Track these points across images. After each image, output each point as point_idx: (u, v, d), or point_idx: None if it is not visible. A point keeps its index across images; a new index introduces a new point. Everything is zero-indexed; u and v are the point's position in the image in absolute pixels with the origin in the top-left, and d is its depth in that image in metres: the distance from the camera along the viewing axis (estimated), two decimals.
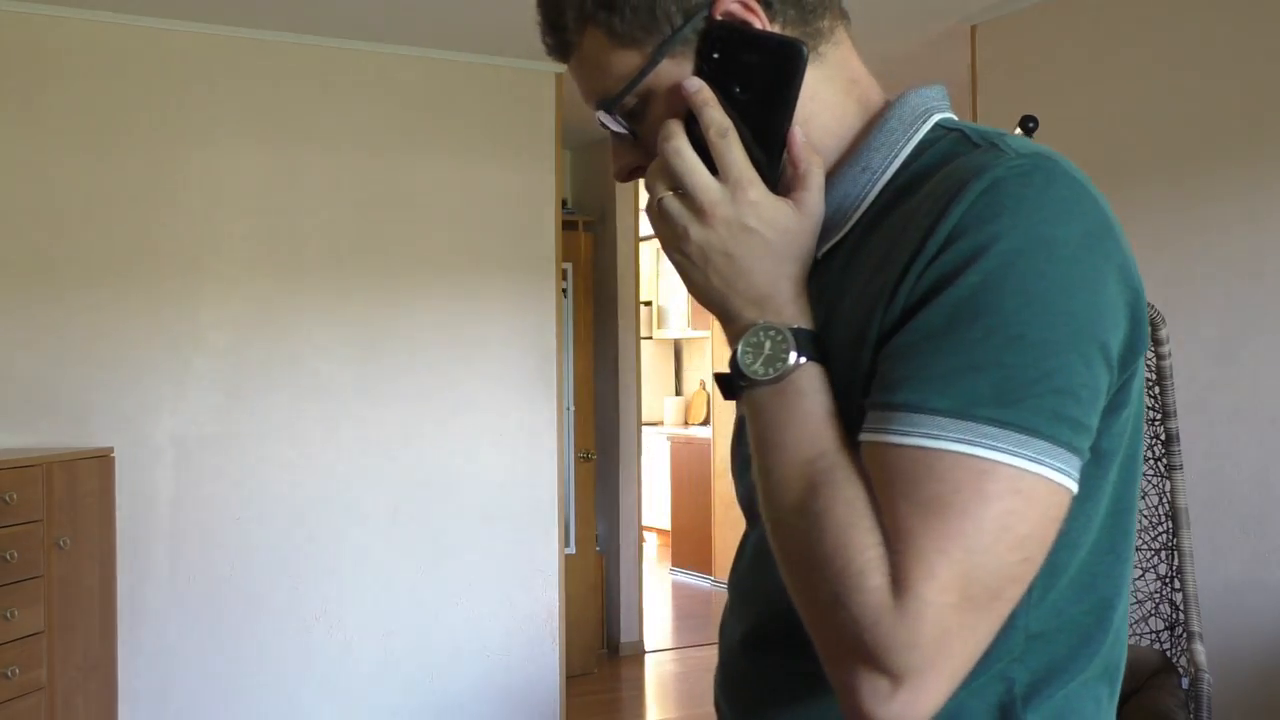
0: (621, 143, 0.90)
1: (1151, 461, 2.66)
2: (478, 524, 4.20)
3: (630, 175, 0.91)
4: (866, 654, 0.69)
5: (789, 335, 0.77)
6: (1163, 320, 2.60)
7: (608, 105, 0.85)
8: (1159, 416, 2.63)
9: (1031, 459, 0.68)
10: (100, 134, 3.67)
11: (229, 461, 3.82)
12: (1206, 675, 2.45)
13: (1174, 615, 2.63)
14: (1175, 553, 2.60)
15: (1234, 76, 3.05)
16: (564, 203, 4.83)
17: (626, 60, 0.83)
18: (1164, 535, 2.64)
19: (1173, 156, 3.17)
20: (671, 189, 0.81)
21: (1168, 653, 2.62)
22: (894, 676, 0.68)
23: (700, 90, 0.80)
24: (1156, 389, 2.62)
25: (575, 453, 5.38)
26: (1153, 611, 2.66)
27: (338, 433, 3.98)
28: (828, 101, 0.85)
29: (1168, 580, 2.64)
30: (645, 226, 7.83)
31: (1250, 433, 2.99)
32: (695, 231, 0.80)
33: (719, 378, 0.82)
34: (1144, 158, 3.22)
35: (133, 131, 3.71)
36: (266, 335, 3.89)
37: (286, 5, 3.64)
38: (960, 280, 0.71)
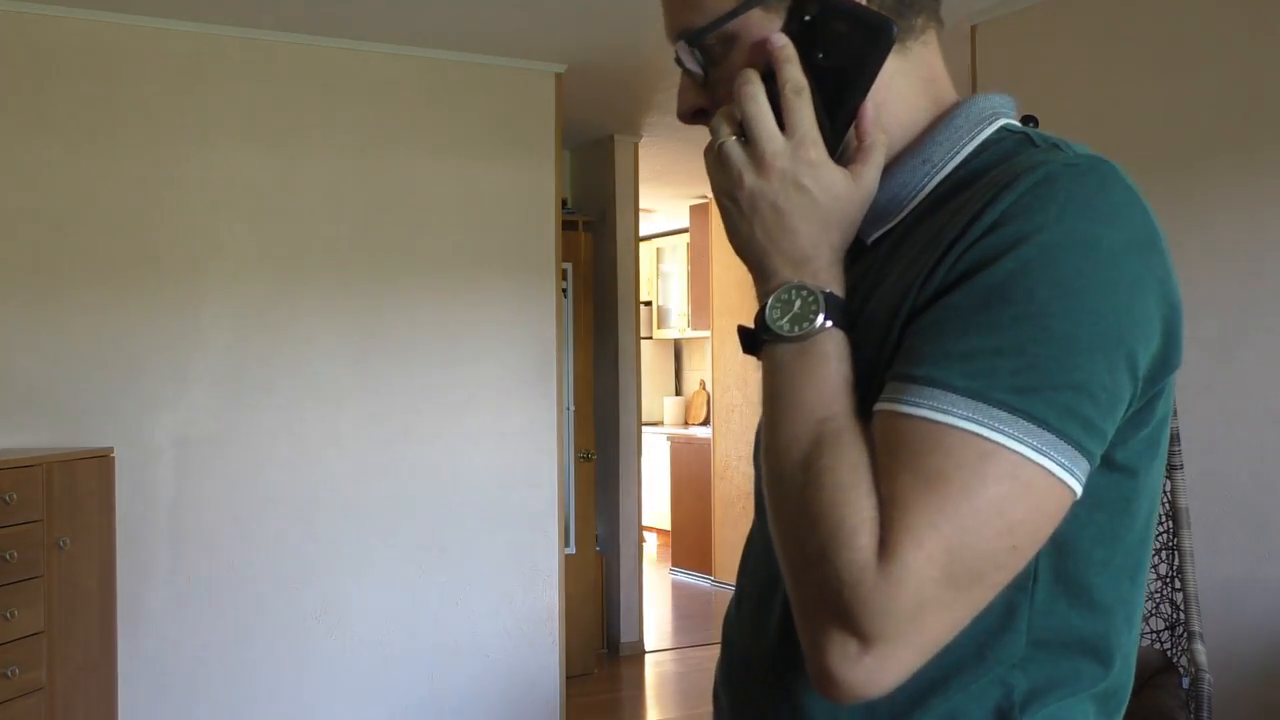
0: (691, 82, 0.90)
1: None
2: (478, 524, 4.20)
3: (693, 118, 0.91)
4: (842, 612, 0.69)
5: (820, 297, 0.78)
6: None
7: (690, 38, 0.85)
8: None
9: (1036, 449, 0.69)
10: (100, 134, 3.67)
11: (229, 461, 3.82)
12: (1207, 675, 2.45)
13: (1174, 615, 2.63)
14: (1175, 553, 2.60)
15: (1234, 76, 3.05)
16: (564, 203, 4.83)
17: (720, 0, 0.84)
18: (1164, 535, 2.64)
19: (1172, 156, 3.17)
20: (735, 134, 0.81)
21: (1168, 653, 2.62)
22: (864, 639, 0.69)
23: (785, 46, 0.81)
24: None
25: (575, 453, 5.38)
26: (1153, 611, 2.66)
27: (338, 433, 3.98)
28: (901, 93, 0.85)
29: (1168, 580, 2.64)
30: (645, 226, 7.83)
31: (1250, 433, 2.99)
32: (750, 179, 0.80)
33: (742, 331, 0.83)
34: (1144, 158, 3.22)
35: (133, 131, 3.71)
36: (266, 335, 3.89)
37: (286, 5, 3.64)
38: (997, 264, 0.71)
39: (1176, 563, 2.60)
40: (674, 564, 7.85)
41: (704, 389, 8.58)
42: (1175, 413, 2.61)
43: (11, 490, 3.02)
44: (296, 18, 3.76)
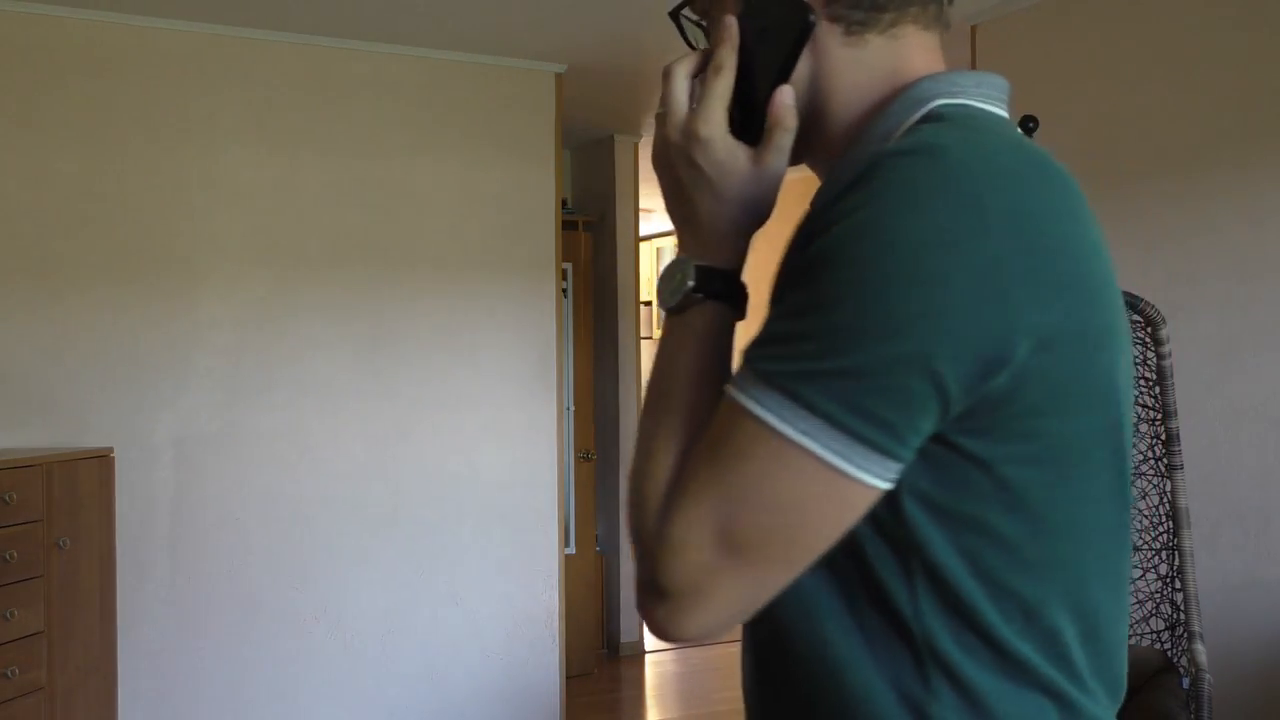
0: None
1: (1152, 461, 2.66)
2: (478, 524, 4.20)
3: None
4: (641, 563, 0.77)
5: (693, 271, 0.82)
6: (1163, 320, 2.60)
7: (679, 6, 0.92)
8: (1159, 416, 2.63)
9: (802, 432, 0.70)
10: (100, 134, 3.67)
11: (229, 461, 3.82)
12: (1207, 675, 2.45)
13: (1174, 615, 2.63)
14: (1175, 553, 2.60)
15: (1234, 76, 3.05)
16: (564, 203, 4.83)
17: None
18: (1164, 535, 2.64)
19: (1172, 156, 3.17)
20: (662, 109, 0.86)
21: (1168, 653, 2.62)
22: (658, 592, 0.75)
23: (729, 26, 0.84)
24: (1157, 389, 2.62)
25: (575, 453, 5.38)
26: (1153, 611, 2.66)
27: (338, 432, 3.98)
28: (853, 83, 0.85)
29: (1168, 580, 2.64)
30: (645, 226, 7.83)
31: (1250, 433, 2.99)
32: (657, 150, 0.86)
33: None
34: (1144, 157, 3.22)
35: (133, 131, 3.71)
36: (266, 335, 3.89)
37: (286, 5, 3.64)
38: (808, 250, 0.73)
39: (1176, 563, 2.60)
40: None
41: None
42: (1175, 412, 2.61)
43: (11, 490, 3.02)
44: (296, 18, 3.76)
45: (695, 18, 0.92)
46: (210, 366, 3.80)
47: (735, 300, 0.84)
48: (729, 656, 5.72)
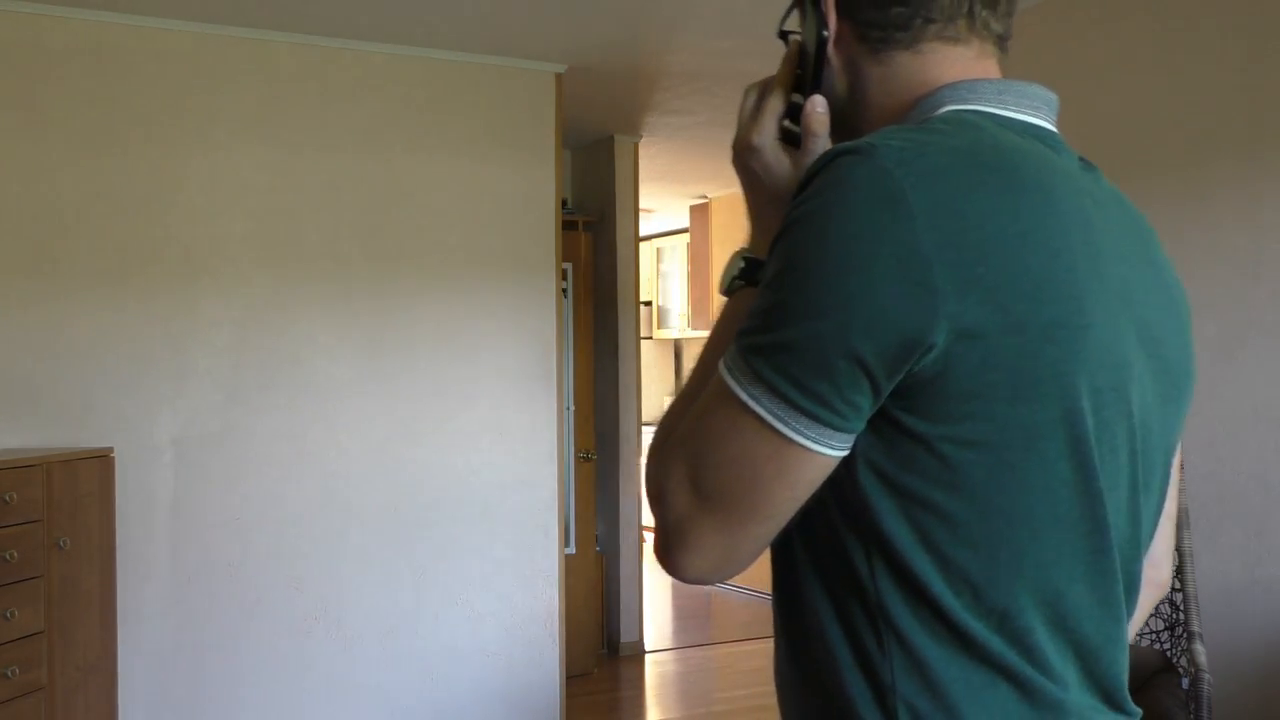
0: None
1: None
2: (478, 524, 4.20)
3: None
4: (650, 504, 0.86)
5: (739, 261, 0.94)
6: None
7: (783, 32, 1.02)
8: None
9: (751, 397, 0.79)
10: (100, 134, 3.67)
11: (229, 461, 3.82)
12: (1207, 675, 2.45)
13: (1174, 615, 2.63)
14: (1175, 553, 2.60)
15: (1235, 76, 3.05)
16: (564, 203, 4.83)
17: None
18: None
19: (1173, 156, 3.17)
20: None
21: (1168, 653, 2.62)
22: (663, 538, 0.84)
23: (793, 44, 0.97)
24: None
25: (575, 453, 5.38)
26: (1153, 611, 2.66)
27: (338, 432, 3.98)
28: (885, 93, 0.93)
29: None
30: (645, 226, 7.83)
31: (1250, 433, 2.99)
32: (734, 161, 0.99)
33: None
34: (1144, 157, 3.22)
35: (133, 131, 3.71)
36: (266, 335, 3.89)
37: (286, 5, 3.64)
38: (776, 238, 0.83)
39: (1176, 563, 2.60)
40: None
41: None
42: None
43: (11, 490, 3.02)
44: (296, 18, 3.76)
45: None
46: (210, 366, 3.80)
47: None
48: (729, 656, 5.72)
